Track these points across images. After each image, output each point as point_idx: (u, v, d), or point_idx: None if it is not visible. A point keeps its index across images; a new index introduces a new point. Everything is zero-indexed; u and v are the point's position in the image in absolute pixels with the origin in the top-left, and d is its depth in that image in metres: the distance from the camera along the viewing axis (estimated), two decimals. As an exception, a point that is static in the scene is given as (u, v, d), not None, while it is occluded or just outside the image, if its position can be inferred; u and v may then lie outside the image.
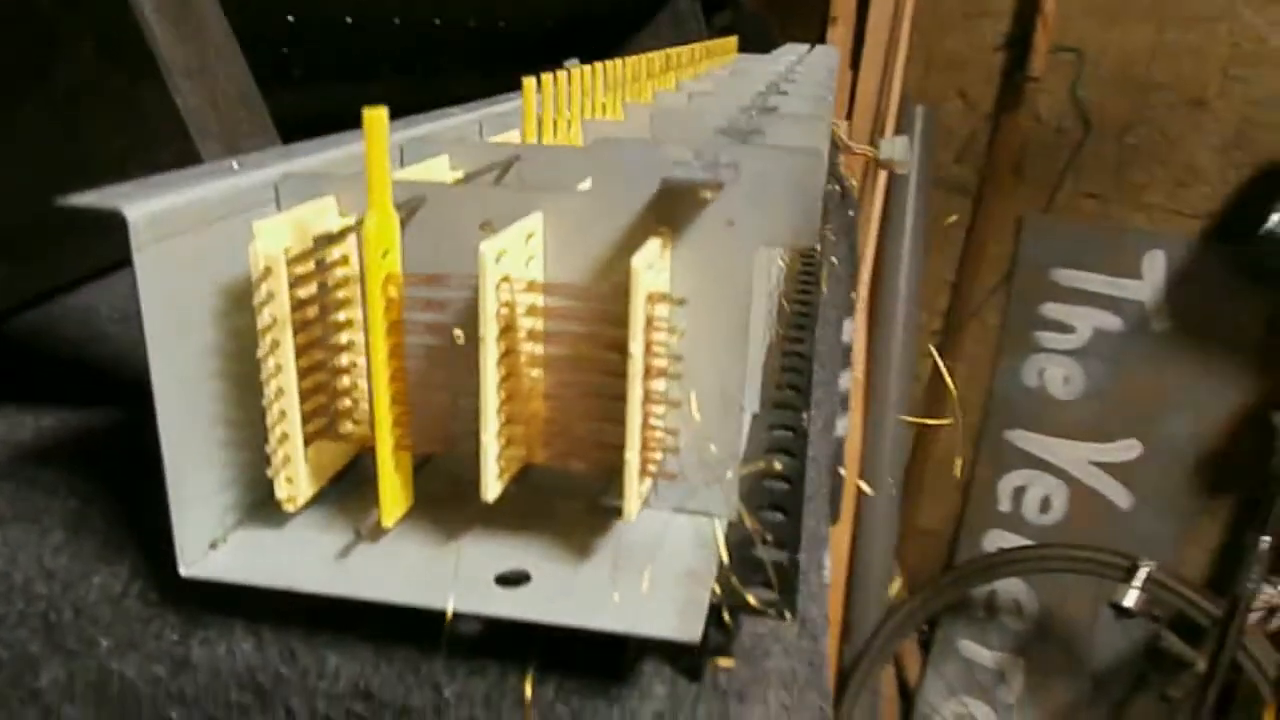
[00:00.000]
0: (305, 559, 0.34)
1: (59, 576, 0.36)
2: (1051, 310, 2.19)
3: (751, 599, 0.32)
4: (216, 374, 0.33)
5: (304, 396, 0.34)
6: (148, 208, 0.29)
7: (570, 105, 0.53)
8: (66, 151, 0.35)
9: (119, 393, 0.49)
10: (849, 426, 1.91)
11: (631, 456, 0.31)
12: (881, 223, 2.09)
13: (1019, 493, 2.18)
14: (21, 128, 0.35)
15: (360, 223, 0.31)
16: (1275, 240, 1.89)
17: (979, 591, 2.15)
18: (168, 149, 0.35)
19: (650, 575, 0.32)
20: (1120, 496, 2.11)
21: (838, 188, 1.16)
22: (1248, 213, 1.99)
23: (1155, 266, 2.12)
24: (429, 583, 0.33)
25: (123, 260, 0.30)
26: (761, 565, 0.34)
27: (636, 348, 0.30)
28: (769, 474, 0.39)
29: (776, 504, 0.37)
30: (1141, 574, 1.76)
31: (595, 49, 1.43)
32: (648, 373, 0.31)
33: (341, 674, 0.33)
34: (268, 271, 0.31)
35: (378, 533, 0.34)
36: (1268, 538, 1.37)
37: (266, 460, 0.34)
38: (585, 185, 0.38)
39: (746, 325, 0.33)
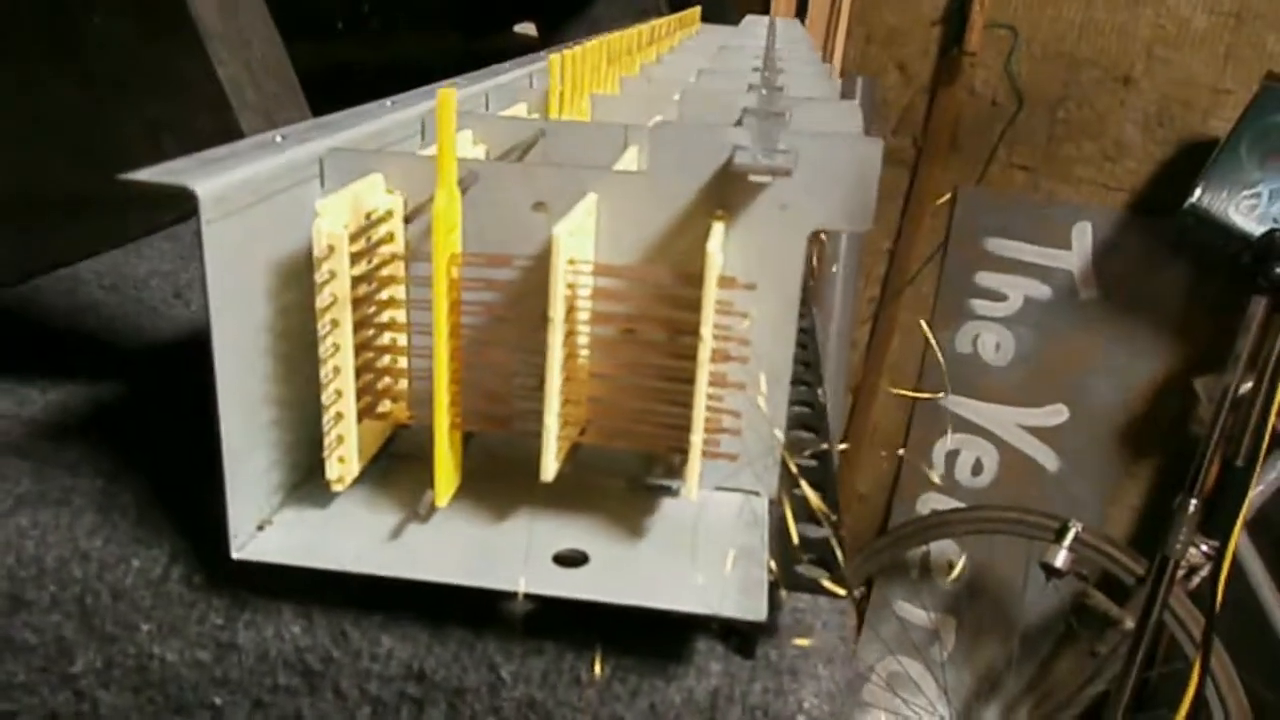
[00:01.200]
0: (357, 539, 0.34)
1: (94, 559, 0.35)
2: (985, 279, 2.24)
3: (823, 579, 0.33)
4: (268, 352, 0.33)
5: (355, 374, 0.33)
6: (215, 183, 0.29)
7: (581, 81, 0.52)
8: (100, 120, 0.33)
9: (120, 363, 0.48)
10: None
11: (697, 439, 0.31)
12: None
13: (952, 456, 2.24)
14: (54, 95, 0.33)
15: (427, 202, 0.30)
16: (1197, 214, 1.95)
17: (913, 553, 2.20)
18: (205, 119, 0.34)
19: (720, 556, 0.33)
20: (1049, 459, 2.18)
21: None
22: (1172, 187, 2.06)
23: (1083, 238, 2.19)
24: (487, 563, 0.33)
25: (151, 230, 0.29)
26: (807, 542, 0.34)
27: (708, 331, 0.30)
28: (801, 452, 0.40)
29: (812, 481, 0.38)
30: (1070, 535, 1.82)
31: (551, 15, 1.41)
32: (714, 357, 0.31)
33: (395, 656, 0.33)
34: (330, 250, 0.31)
35: (431, 512, 0.34)
36: (1195, 501, 1.43)
37: (320, 440, 0.33)
38: (625, 163, 0.38)
39: (797, 306, 0.34)
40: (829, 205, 0.33)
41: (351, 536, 0.34)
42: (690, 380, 0.31)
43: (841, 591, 0.33)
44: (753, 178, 0.32)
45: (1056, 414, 2.23)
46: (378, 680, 0.33)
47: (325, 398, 0.32)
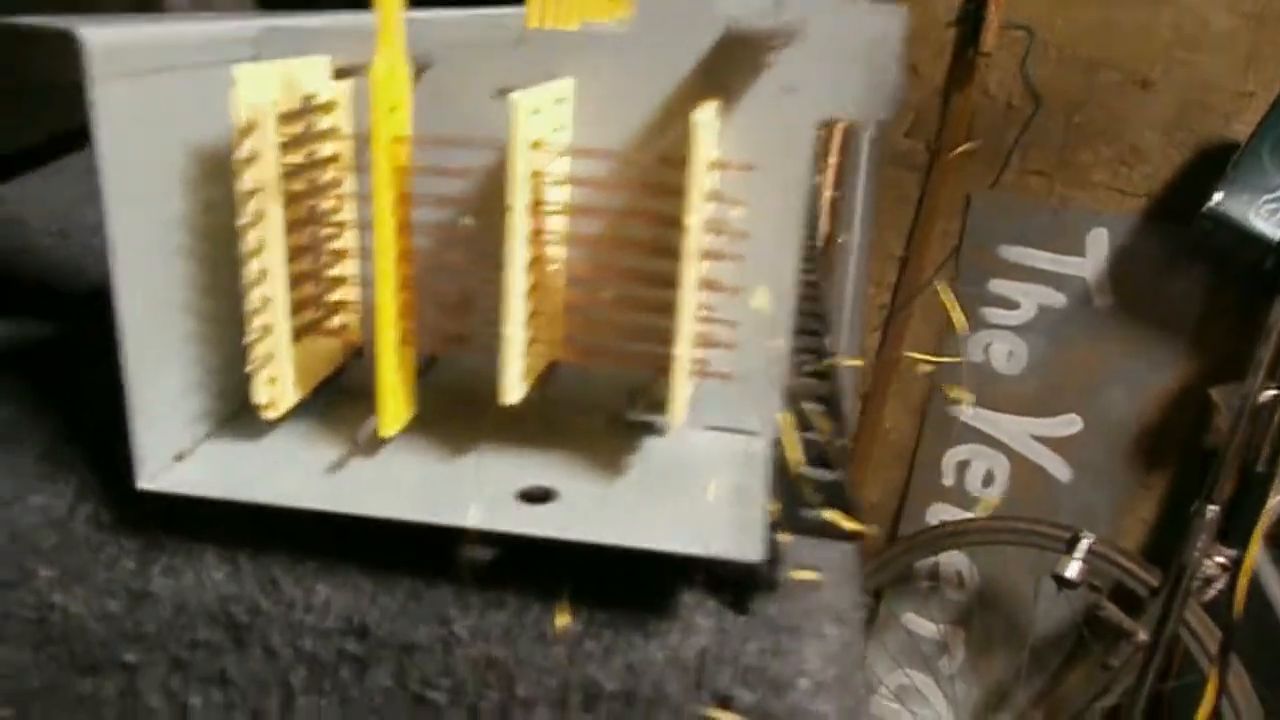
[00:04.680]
0: (290, 473, 0.29)
1: (-10, 495, 0.30)
2: (997, 286, 2.19)
3: (838, 517, 0.28)
4: (186, 253, 0.28)
5: (291, 283, 0.29)
6: (109, 35, 0.24)
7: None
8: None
9: (60, 306, 0.43)
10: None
11: (681, 351, 0.27)
12: (833, 202, 2.07)
13: (962, 466, 2.19)
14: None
15: (364, 69, 0.26)
16: (1215, 220, 1.90)
17: (921, 564, 2.15)
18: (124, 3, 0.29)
19: (709, 492, 0.28)
20: (1061, 470, 2.12)
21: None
22: (1190, 192, 2.01)
23: (1098, 244, 2.14)
24: (437, 499, 0.28)
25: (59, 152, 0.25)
26: (814, 483, 0.30)
27: (694, 219, 0.26)
28: (803, 393, 0.35)
29: (809, 424, 0.33)
30: (1083, 545, 1.77)
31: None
32: (703, 255, 0.27)
33: (332, 607, 0.29)
34: (251, 125, 0.26)
35: (376, 443, 0.30)
36: (1214, 507, 1.38)
37: (244, 355, 0.29)
38: None
39: (804, 205, 0.29)
40: (842, 88, 0.28)
41: (283, 470, 0.29)
42: (675, 284, 0.27)
43: (855, 527, 0.28)
44: (752, 48, 0.28)
45: (1069, 424, 2.18)
46: (313, 635, 0.29)
47: (249, 304, 0.28)
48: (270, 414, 0.29)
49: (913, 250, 2.27)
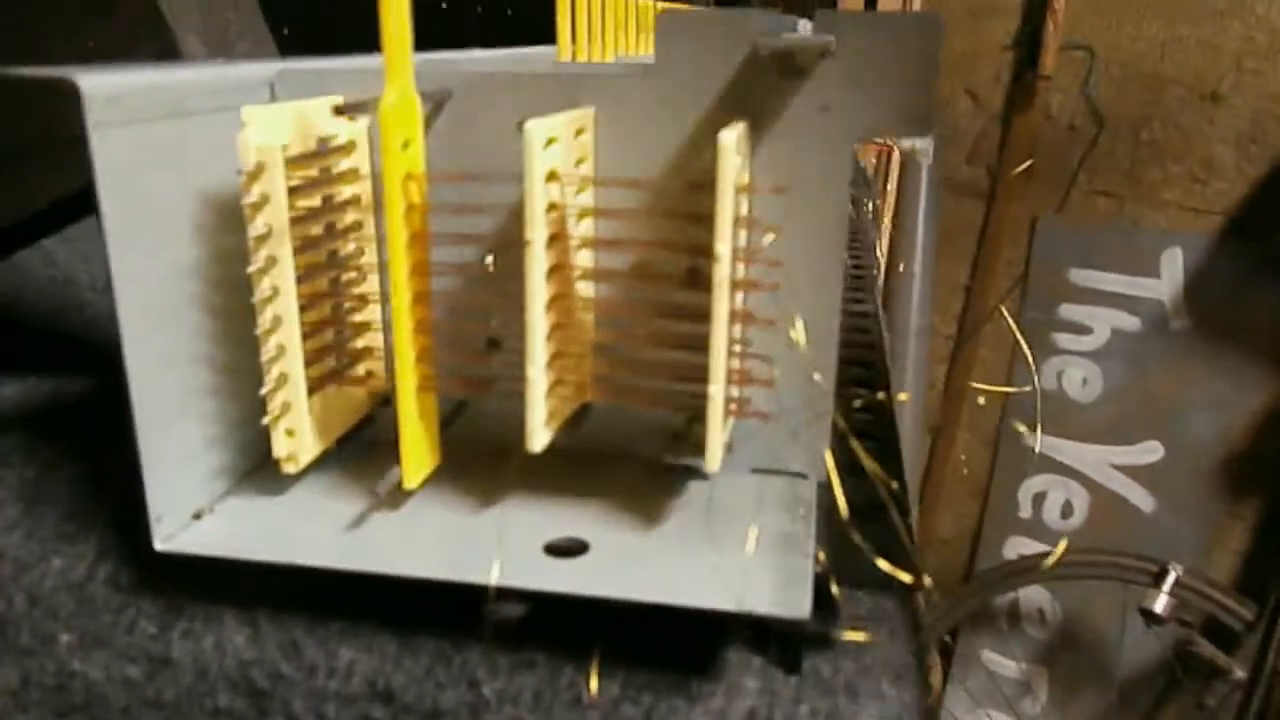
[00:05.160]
0: (309, 530, 0.28)
1: (10, 558, 0.30)
2: (1068, 311, 2.14)
3: (892, 569, 0.26)
4: (200, 304, 0.27)
5: (308, 331, 0.28)
6: (107, 81, 0.23)
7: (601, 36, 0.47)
8: (21, 49, 0.29)
9: (96, 362, 0.43)
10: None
11: (716, 390, 0.25)
12: (893, 225, 2.04)
13: (1039, 498, 2.12)
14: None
15: (372, 104, 0.25)
16: (1295, 234, 1.83)
17: (1000, 600, 2.08)
18: (145, 48, 0.29)
19: (752, 543, 0.26)
20: (1143, 500, 2.05)
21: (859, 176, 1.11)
22: (1267, 207, 1.94)
23: (1173, 264, 2.07)
24: (463, 555, 0.26)
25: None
26: (863, 526, 0.27)
27: (724, 248, 0.24)
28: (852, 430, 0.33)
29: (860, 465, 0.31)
30: (1171, 579, 1.71)
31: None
32: (737, 285, 0.25)
33: (356, 671, 0.27)
34: (261, 168, 0.25)
35: (399, 496, 0.28)
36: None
37: (262, 407, 0.27)
38: None
39: (844, 229, 0.27)
40: (881, 103, 0.26)
41: (302, 527, 0.28)
42: (709, 318, 0.25)
43: (908, 578, 0.26)
44: (783, 67, 0.26)
45: (1150, 451, 2.10)
46: (336, 701, 0.27)
47: (264, 354, 0.27)
48: (290, 468, 0.28)
49: (977, 278, 2.22)
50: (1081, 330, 2.14)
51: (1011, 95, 2.19)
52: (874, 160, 1.78)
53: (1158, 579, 1.72)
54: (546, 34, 0.42)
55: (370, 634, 0.28)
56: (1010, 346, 2.26)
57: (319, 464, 0.30)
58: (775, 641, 0.27)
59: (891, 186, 1.99)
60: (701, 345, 0.25)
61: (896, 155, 1.87)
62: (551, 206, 0.25)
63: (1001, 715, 2.08)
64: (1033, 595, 2.07)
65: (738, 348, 0.26)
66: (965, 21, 2.23)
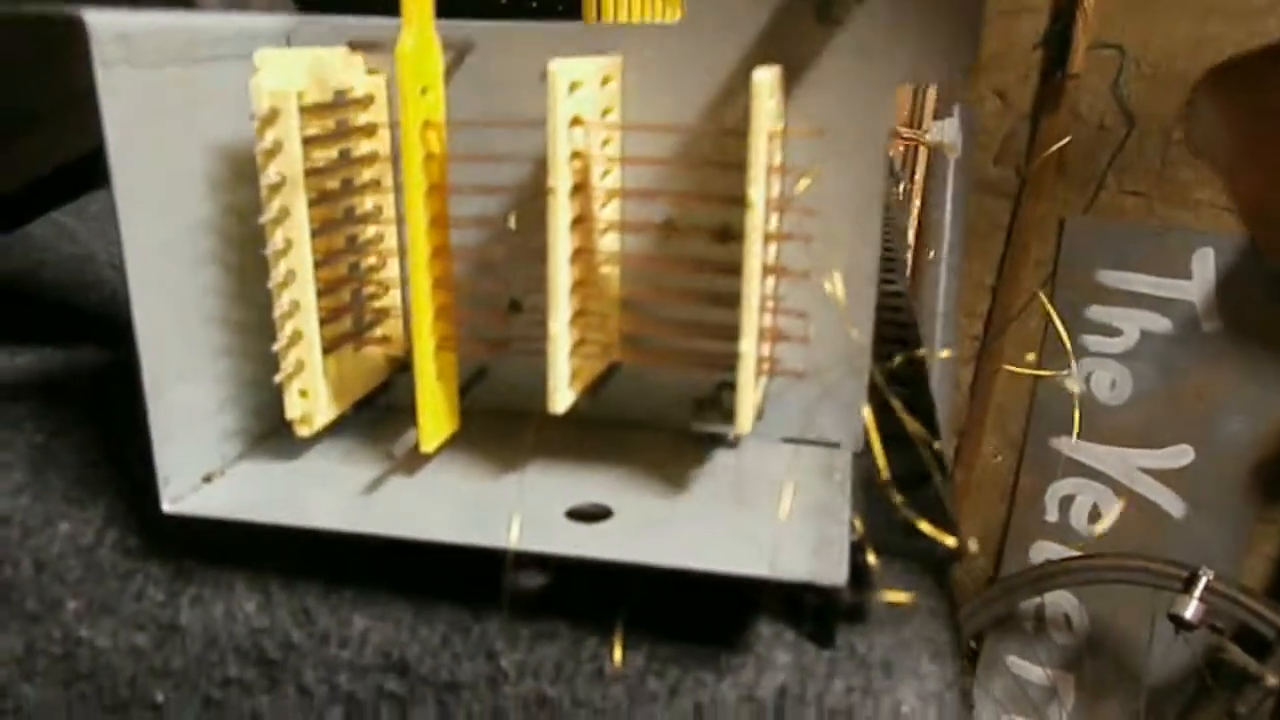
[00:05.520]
0: (322, 494, 0.27)
1: (16, 523, 0.29)
2: (1097, 313, 2.11)
3: (935, 532, 0.24)
4: (211, 259, 0.26)
5: (324, 289, 0.27)
6: (115, 19, 0.22)
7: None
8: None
9: (112, 334, 0.42)
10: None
11: (748, 347, 0.24)
12: (919, 218, 2.02)
13: (1066, 502, 2.09)
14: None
15: (391, 44, 0.24)
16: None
17: (1026, 605, 2.05)
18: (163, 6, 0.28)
19: (785, 508, 0.25)
20: (1173, 505, 2.01)
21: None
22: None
23: (1205, 265, 2.04)
24: (481, 519, 0.25)
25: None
26: (903, 489, 0.26)
27: (757, 193, 0.23)
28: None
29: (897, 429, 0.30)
30: (1201, 584, 1.68)
31: None
32: (769, 236, 0.24)
33: (370, 640, 0.26)
34: (275, 113, 0.24)
35: (415, 460, 0.27)
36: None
37: (275, 366, 0.26)
38: None
39: (884, 181, 0.26)
40: (923, 41, 0.25)
41: (315, 491, 0.27)
42: (740, 272, 0.24)
43: (952, 541, 0.24)
44: (821, 10, 0.25)
45: (1181, 455, 2.06)
46: (349, 672, 0.26)
47: (277, 310, 0.26)
48: (304, 430, 0.27)
49: (1004, 277, 2.19)
50: (1111, 332, 2.11)
51: (1040, 95, 2.16)
52: (901, 151, 1.76)
53: (1188, 584, 1.69)
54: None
55: (385, 602, 0.27)
56: (1038, 345, 2.23)
57: (334, 429, 0.29)
58: (808, 614, 0.26)
59: (918, 179, 1.97)
60: (733, 301, 0.24)
61: (923, 151, 1.85)
62: (576, 154, 0.24)
63: (1027, 721, 2.05)
64: (1059, 600, 2.04)
65: (770, 302, 0.25)
66: (993, 21, 2.20)
